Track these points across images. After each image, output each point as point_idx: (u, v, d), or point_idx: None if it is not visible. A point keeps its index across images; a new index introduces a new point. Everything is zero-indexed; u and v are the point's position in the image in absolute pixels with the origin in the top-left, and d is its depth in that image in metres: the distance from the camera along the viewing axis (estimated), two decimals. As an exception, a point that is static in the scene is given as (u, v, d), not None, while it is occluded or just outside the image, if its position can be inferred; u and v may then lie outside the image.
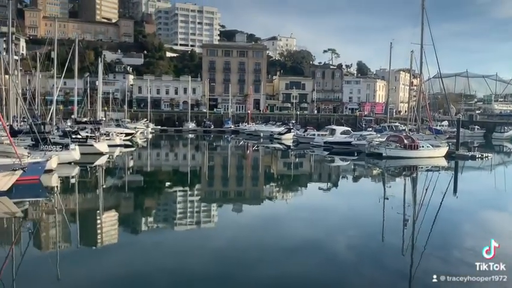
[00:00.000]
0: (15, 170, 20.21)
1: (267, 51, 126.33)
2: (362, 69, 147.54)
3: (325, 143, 50.83)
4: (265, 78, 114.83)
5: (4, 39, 53.32)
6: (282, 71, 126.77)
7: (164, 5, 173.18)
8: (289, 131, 66.75)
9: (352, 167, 40.94)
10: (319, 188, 29.10)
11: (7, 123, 32.26)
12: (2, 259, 12.83)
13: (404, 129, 52.93)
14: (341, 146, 48.65)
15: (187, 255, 13.66)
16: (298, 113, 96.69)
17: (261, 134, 71.33)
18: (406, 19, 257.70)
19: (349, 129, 57.69)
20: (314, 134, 57.64)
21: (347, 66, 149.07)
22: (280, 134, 66.56)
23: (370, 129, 63.31)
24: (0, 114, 26.80)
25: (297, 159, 47.59)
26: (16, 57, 48.04)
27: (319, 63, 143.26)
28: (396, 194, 26.04)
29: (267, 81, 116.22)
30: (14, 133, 29.96)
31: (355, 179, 33.98)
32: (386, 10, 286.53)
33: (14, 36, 48.17)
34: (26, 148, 27.41)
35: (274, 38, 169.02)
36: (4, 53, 45.91)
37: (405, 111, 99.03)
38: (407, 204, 22.61)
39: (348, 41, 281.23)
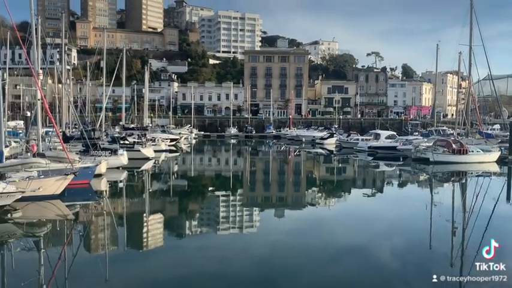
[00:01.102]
0: (67, 174, 21.19)
1: (309, 56, 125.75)
2: (407, 72, 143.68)
3: (369, 147, 49.85)
4: (307, 83, 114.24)
5: (58, 50, 56.41)
6: (324, 75, 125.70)
7: (207, 13, 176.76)
8: (331, 135, 65.98)
9: (398, 172, 39.87)
10: (363, 194, 28.52)
11: (60, 130, 33.98)
12: (55, 259, 13.50)
13: (453, 133, 51.01)
14: (386, 151, 47.60)
15: (229, 260, 13.78)
16: (341, 117, 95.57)
17: (303, 139, 70.96)
18: (454, 19, 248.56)
19: (394, 133, 56.43)
20: (358, 139, 56.66)
21: (391, 69, 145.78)
22: (322, 138, 65.93)
23: (417, 133, 61.49)
24: (54, 121, 28.17)
25: (340, 165, 46.93)
26: (68, 67, 50.58)
27: (363, 66, 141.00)
28: (444, 201, 25.05)
29: (308, 85, 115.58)
30: (66, 139, 31.50)
31: (401, 184, 33.04)
32: (433, 10, 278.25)
33: (66, 47, 50.80)
34: (77, 153, 28.70)
35: (316, 42, 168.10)
36: (57, 63, 48.42)
37: (453, 115, 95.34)
38: (456, 211, 21.69)
39: (392, 44, 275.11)
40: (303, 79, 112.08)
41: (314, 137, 70.04)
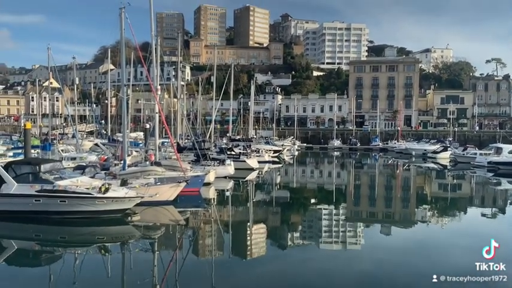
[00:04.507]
0: (180, 182, 22.67)
1: (420, 64, 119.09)
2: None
3: (489, 163, 45.67)
4: (418, 93, 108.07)
5: (173, 67, 61.34)
6: (436, 85, 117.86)
7: (312, 26, 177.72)
8: (445, 149, 61.54)
9: (524, 191, 35.55)
10: (482, 214, 25.88)
11: (174, 141, 36.65)
12: (167, 261, 14.51)
13: None
14: (509, 166, 42.95)
15: (332, 274, 13.48)
16: (456, 129, 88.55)
17: (413, 153, 67.12)
18: None
19: (520, 147, 50.62)
20: (475, 153, 52.23)
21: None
22: (435, 152, 61.81)
23: (548, 148, 54.31)
24: (170, 133, 30.43)
25: (455, 181, 43.28)
26: (182, 83, 54.50)
27: (481, 74, 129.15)
28: None
29: (419, 96, 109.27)
30: (180, 149, 33.82)
31: (528, 205, 29.33)
32: None
33: (181, 64, 54.93)
34: (189, 163, 30.63)
35: (427, 50, 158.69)
36: (173, 80, 52.51)
37: None
38: None
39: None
40: (412, 89, 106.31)
41: (425, 150, 65.87)
